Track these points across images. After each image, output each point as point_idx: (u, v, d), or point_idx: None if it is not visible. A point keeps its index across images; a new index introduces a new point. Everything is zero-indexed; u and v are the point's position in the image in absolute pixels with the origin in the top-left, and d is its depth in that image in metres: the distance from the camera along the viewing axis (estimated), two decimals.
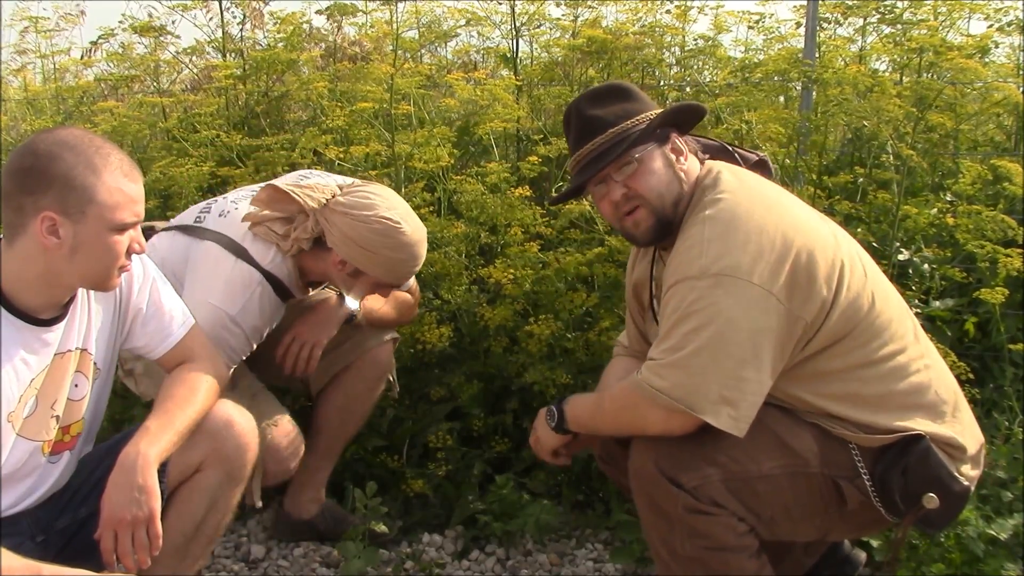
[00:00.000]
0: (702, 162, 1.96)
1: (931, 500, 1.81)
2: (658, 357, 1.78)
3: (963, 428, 1.89)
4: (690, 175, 1.92)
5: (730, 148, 2.05)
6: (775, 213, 1.81)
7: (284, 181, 2.26)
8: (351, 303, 2.39)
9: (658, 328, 1.86)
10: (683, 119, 1.96)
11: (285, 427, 2.29)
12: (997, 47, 3.54)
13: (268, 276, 2.21)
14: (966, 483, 1.85)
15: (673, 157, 1.90)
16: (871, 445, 1.83)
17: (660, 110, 1.93)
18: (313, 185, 2.24)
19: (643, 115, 1.90)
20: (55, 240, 1.62)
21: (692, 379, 1.73)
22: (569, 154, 1.98)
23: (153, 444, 1.73)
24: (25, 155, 1.63)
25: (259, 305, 2.18)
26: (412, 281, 2.55)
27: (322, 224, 2.19)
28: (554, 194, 2.93)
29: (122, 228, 1.67)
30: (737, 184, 1.86)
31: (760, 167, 2.02)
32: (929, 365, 1.90)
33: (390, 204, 2.20)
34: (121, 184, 1.65)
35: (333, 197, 2.21)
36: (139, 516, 1.69)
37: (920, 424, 1.83)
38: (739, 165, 2.00)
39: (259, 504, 2.16)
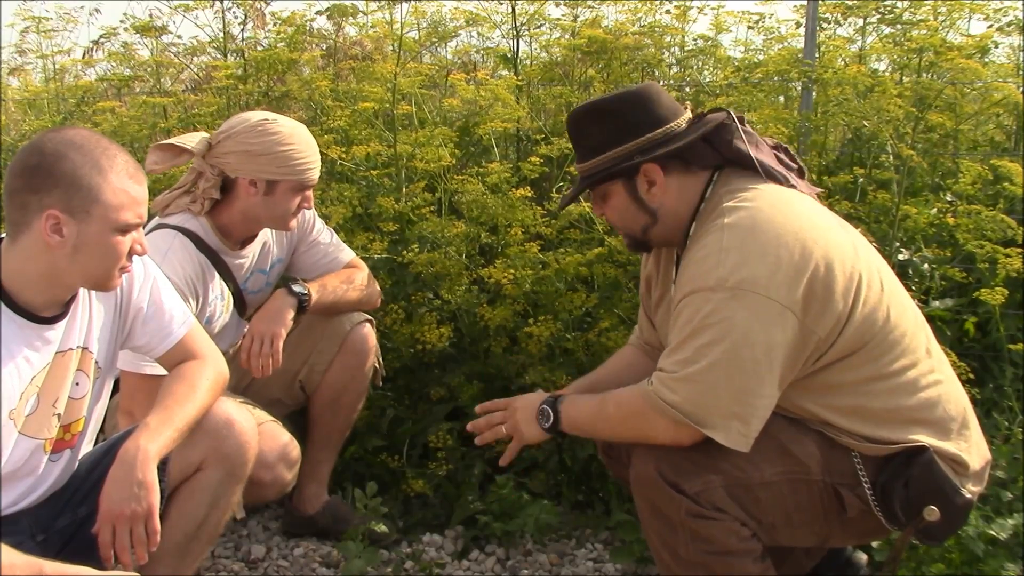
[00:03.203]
0: (716, 170, 1.92)
1: (932, 512, 1.80)
2: (670, 369, 1.76)
3: (969, 445, 1.87)
4: (682, 195, 1.90)
5: (752, 134, 1.97)
6: (795, 222, 1.78)
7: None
8: (297, 287, 2.40)
9: (669, 335, 1.85)
10: (658, 152, 1.89)
11: (273, 433, 2.28)
12: (997, 47, 3.53)
13: (183, 231, 2.29)
14: (968, 497, 1.84)
15: (643, 188, 1.90)
16: (874, 454, 1.83)
17: (642, 139, 1.88)
18: (189, 135, 2.35)
19: (613, 151, 1.89)
20: (58, 239, 1.63)
21: (704, 394, 1.72)
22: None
23: (153, 440, 1.73)
24: (32, 153, 1.63)
25: (181, 256, 2.24)
26: (352, 255, 2.62)
27: (217, 164, 2.30)
28: (554, 194, 2.94)
29: (125, 229, 1.68)
30: (757, 192, 1.84)
31: (781, 151, 1.99)
32: (940, 380, 1.88)
33: (256, 113, 2.34)
34: (126, 185, 1.66)
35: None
36: (138, 511, 1.69)
37: (925, 439, 1.81)
38: (787, 165, 1.97)
39: (240, 516, 2.15)
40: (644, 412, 1.79)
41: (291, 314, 2.35)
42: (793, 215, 1.81)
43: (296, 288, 2.39)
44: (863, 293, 1.79)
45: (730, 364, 1.71)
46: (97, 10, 4.42)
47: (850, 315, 1.77)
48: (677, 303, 1.81)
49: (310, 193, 2.37)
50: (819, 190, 2.06)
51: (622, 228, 1.99)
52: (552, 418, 1.97)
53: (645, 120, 1.90)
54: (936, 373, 1.88)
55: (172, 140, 2.31)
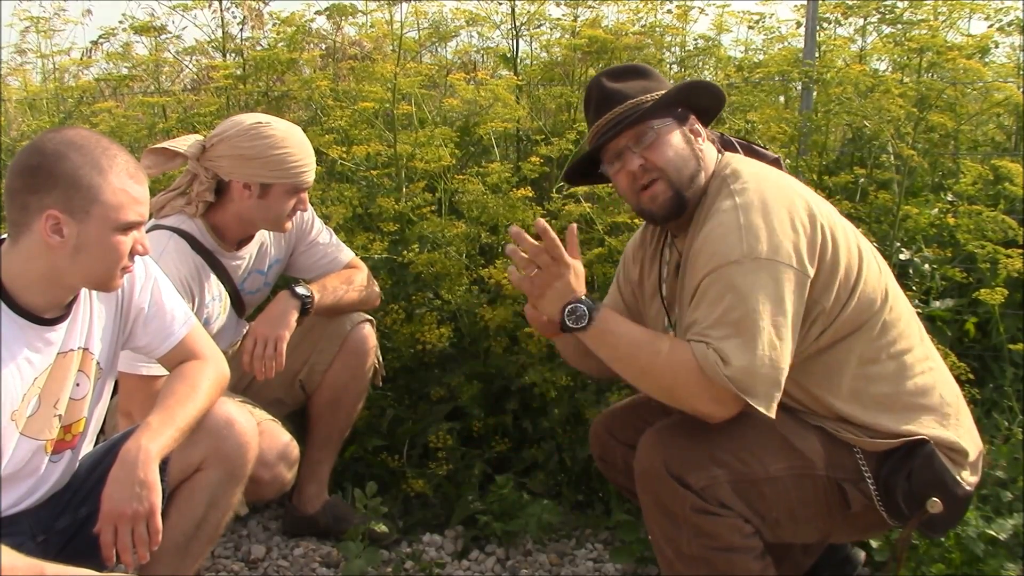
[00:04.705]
0: (720, 152, 1.97)
1: (935, 504, 1.82)
2: (716, 341, 1.71)
3: (965, 433, 1.90)
4: (707, 160, 1.92)
5: (749, 145, 2.05)
6: (799, 198, 1.83)
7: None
8: (301, 289, 2.40)
9: (678, 314, 1.85)
10: (702, 103, 1.97)
11: (273, 432, 2.28)
12: (997, 47, 3.54)
13: (178, 232, 2.29)
14: (968, 488, 1.86)
15: (691, 136, 1.92)
16: (875, 449, 1.84)
17: (682, 90, 1.94)
18: (182, 138, 2.35)
19: (663, 91, 1.92)
20: (59, 239, 1.62)
21: (753, 365, 1.70)
22: (587, 128, 2.00)
23: (154, 439, 1.73)
24: (32, 154, 1.63)
25: (176, 257, 2.24)
26: (351, 255, 2.62)
27: (211, 168, 2.29)
28: (554, 194, 2.93)
29: (126, 228, 1.67)
30: (758, 172, 1.88)
31: (774, 166, 2.02)
32: (934, 368, 1.91)
33: (249, 116, 2.33)
34: (126, 185, 1.66)
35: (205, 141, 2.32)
36: (139, 511, 1.69)
37: (924, 426, 1.83)
38: (758, 159, 2.01)
39: (243, 512, 2.14)
40: (697, 375, 1.72)
41: (295, 316, 2.35)
42: (796, 195, 1.85)
43: (300, 290, 2.39)
44: (864, 270, 1.83)
45: (772, 333, 1.71)
46: (88, 11, 4.40)
47: (852, 290, 1.81)
48: (699, 282, 1.79)
49: (305, 195, 2.36)
50: None
51: (674, 171, 1.87)
52: (585, 321, 1.79)
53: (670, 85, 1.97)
54: (930, 360, 1.92)
55: (165, 144, 2.31)
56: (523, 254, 1.81)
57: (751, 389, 1.71)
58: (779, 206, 1.78)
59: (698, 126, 1.94)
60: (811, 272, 1.76)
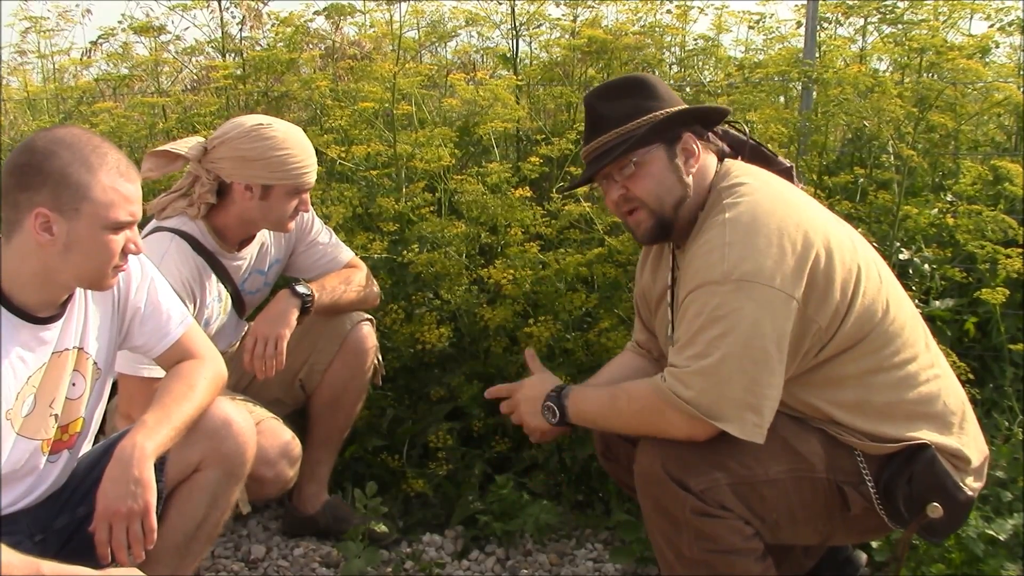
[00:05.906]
0: (721, 159, 1.95)
1: (935, 510, 1.81)
2: (683, 364, 1.75)
3: (969, 440, 1.88)
4: (704, 175, 1.90)
5: (758, 146, 2.03)
6: (795, 215, 1.80)
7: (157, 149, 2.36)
8: (301, 288, 2.39)
9: (675, 331, 1.85)
10: (700, 119, 1.94)
11: (274, 430, 2.28)
12: (998, 47, 3.54)
13: (180, 233, 2.29)
14: (970, 493, 1.85)
15: (681, 159, 1.89)
16: (877, 453, 1.83)
17: (676, 108, 1.91)
18: (183, 140, 2.35)
19: (653, 114, 1.88)
20: (48, 237, 1.62)
21: (718, 388, 1.72)
22: (582, 144, 1.99)
23: (150, 438, 1.73)
24: (23, 152, 1.63)
25: (177, 258, 2.25)
26: (351, 254, 2.62)
27: (212, 169, 2.29)
28: (554, 194, 2.93)
29: (116, 227, 1.66)
30: (757, 185, 1.85)
31: (785, 175, 2.00)
32: (939, 375, 1.89)
33: (251, 117, 2.33)
34: (116, 183, 1.65)
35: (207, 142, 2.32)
36: (134, 509, 1.69)
37: (926, 434, 1.82)
38: (767, 166, 1.98)
39: (245, 511, 2.13)
40: (658, 408, 1.78)
41: (295, 315, 2.35)
42: (792, 208, 1.82)
43: (300, 289, 2.39)
44: (862, 284, 1.80)
45: (742, 356, 1.71)
46: (88, 11, 4.40)
47: (850, 306, 1.79)
48: (682, 300, 1.81)
49: (307, 196, 2.36)
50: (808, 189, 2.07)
51: (655, 202, 1.88)
52: (558, 413, 1.95)
53: (673, 96, 1.94)
54: (935, 368, 1.90)
55: (166, 146, 2.31)
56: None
57: (716, 412, 1.72)
58: (769, 224, 1.76)
59: (693, 143, 1.90)
60: (796, 294, 1.73)
